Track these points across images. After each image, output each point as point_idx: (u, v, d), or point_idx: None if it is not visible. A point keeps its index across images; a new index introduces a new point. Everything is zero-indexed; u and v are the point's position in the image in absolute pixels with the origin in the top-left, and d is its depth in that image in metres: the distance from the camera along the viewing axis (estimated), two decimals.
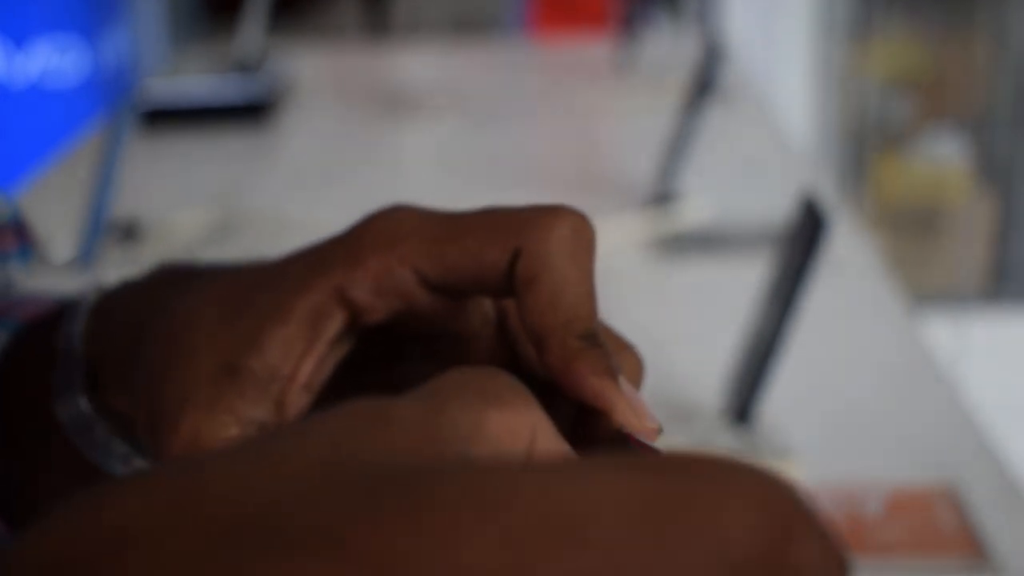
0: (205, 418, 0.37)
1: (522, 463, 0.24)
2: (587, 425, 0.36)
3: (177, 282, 0.42)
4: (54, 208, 1.82)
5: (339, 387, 0.39)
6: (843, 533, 1.02)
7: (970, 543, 1.00)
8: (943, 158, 3.40)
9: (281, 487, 0.23)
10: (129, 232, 1.72)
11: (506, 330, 0.40)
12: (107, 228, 1.69)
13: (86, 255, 1.64)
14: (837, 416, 1.21)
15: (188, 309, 0.39)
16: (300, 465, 0.24)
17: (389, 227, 0.37)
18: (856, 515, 1.03)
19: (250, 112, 2.29)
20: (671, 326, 1.41)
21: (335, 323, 0.37)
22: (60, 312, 0.46)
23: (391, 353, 0.41)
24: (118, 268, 1.72)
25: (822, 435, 1.17)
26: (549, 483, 0.22)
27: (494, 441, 0.27)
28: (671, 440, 1.14)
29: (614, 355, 0.36)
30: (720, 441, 1.13)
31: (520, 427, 0.28)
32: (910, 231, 3.36)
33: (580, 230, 0.36)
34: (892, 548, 1.00)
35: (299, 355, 0.37)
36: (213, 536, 0.21)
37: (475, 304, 0.40)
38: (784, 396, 1.17)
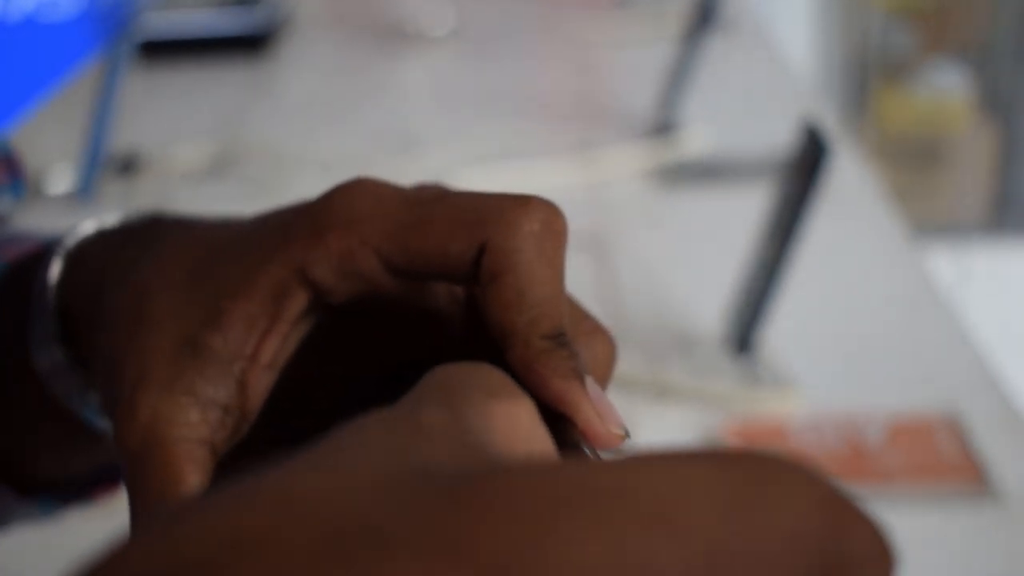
0: (164, 399, 0.36)
1: (591, 460, 0.24)
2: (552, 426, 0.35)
3: (147, 239, 0.41)
4: (52, 142, 1.81)
5: (301, 365, 0.38)
6: (845, 460, 1.02)
7: (971, 470, 1.00)
8: (945, 89, 3.38)
9: (369, 495, 0.22)
10: (127, 165, 1.71)
11: (473, 309, 0.39)
12: (105, 161, 1.68)
13: (85, 188, 1.63)
14: (838, 345, 1.21)
15: (152, 274, 0.38)
16: (371, 475, 0.23)
17: (350, 205, 0.36)
18: (857, 443, 1.04)
19: (249, 44, 2.28)
20: (672, 256, 1.40)
21: (298, 301, 0.36)
22: (43, 253, 0.45)
23: (356, 330, 0.40)
24: (117, 201, 1.71)
25: (823, 364, 1.17)
26: (637, 474, 0.22)
27: (503, 437, 0.27)
28: (674, 370, 1.14)
29: (583, 350, 0.35)
30: (721, 370, 1.13)
31: (522, 421, 0.28)
32: (912, 162, 3.35)
33: (550, 224, 0.35)
34: (893, 475, 1.00)
35: (261, 333, 0.37)
36: (323, 542, 0.21)
37: (442, 284, 0.39)
38: (785, 325, 1.17)
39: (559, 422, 0.33)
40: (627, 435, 0.33)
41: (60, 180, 1.66)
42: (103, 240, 0.44)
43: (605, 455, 0.32)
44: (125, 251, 0.41)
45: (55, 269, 0.43)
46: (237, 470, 0.33)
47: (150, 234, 0.41)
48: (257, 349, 0.37)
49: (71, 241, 0.44)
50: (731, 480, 0.22)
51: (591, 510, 0.21)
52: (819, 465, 0.24)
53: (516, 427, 0.27)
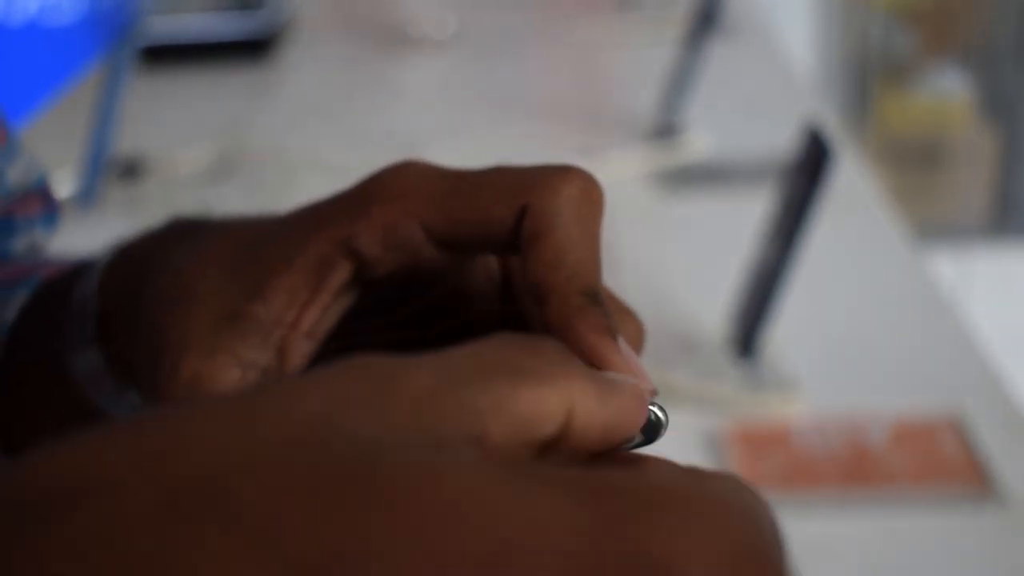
0: (206, 361, 0.37)
1: (478, 464, 0.25)
2: None
3: (185, 236, 0.42)
4: (55, 146, 1.81)
5: (343, 336, 0.39)
6: (848, 463, 1.02)
7: (974, 472, 1.00)
8: (946, 91, 3.38)
9: (243, 449, 0.24)
10: (130, 169, 1.71)
11: (510, 289, 0.40)
12: (108, 165, 1.69)
13: (88, 193, 1.64)
14: (841, 347, 1.21)
15: (194, 262, 0.39)
16: (279, 425, 0.24)
17: (397, 181, 0.37)
18: (860, 445, 1.04)
19: (251, 48, 2.28)
20: (675, 259, 1.40)
21: (340, 273, 0.37)
22: (78, 271, 0.46)
23: (396, 305, 0.41)
24: (120, 206, 1.71)
25: (826, 366, 1.17)
26: (487, 503, 0.23)
27: (522, 419, 0.27)
28: (676, 373, 1.14)
29: (615, 317, 0.36)
30: (724, 373, 1.14)
31: (555, 405, 0.28)
32: (913, 164, 3.35)
33: (589, 191, 0.36)
34: (896, 477, 1.00)
35: (303, 303, 0.37)
36: (160, 498, 0.22)
37: (481, 261, 0.40)
38: (788, 328, 1.17)
39: None
40: (656, 393, 0.34)
41: (63, 185, 1.66)
42: (141, 243, 0.45)
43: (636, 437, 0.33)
44: (165, 246, 0.42)
45: (96, 277, 0.44)
46: None
47: (189, 230, 0.43)
48: (298, 318, 0.38)
49: (109, 252, 0.45)
50: (586, 521, 0.23)
51: (431, 538, 0.22)
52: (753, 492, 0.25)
53: (538, 411, 0.28)
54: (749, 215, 1.31)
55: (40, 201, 0.57)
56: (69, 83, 2.20)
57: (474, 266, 0.40)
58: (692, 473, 0.27)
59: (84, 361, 0.44)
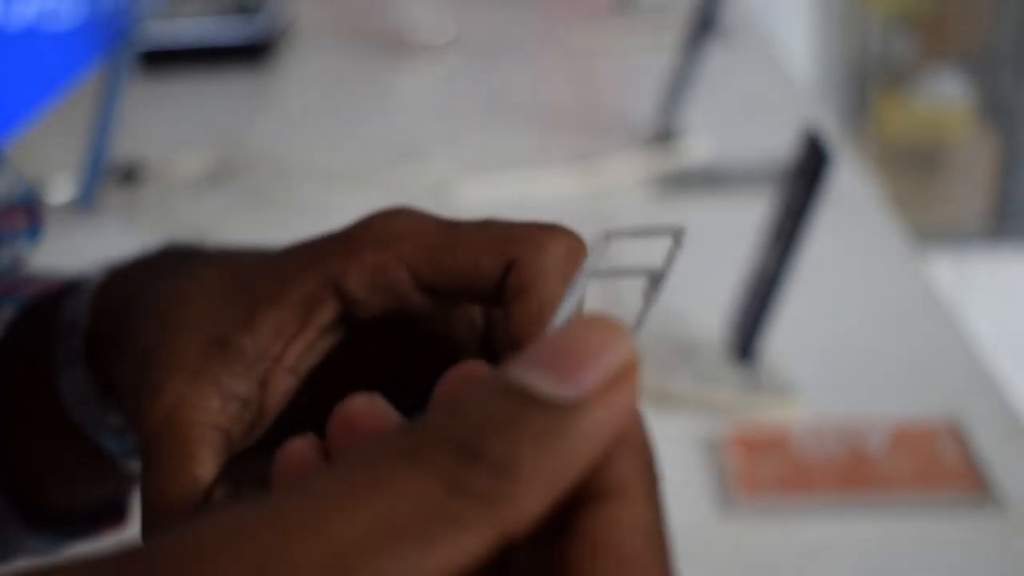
0: (190, 385, 0.37)
1: None
2: None
3: (178, 262, 0.43)
4: (53, 151, 1.81)
5: (323, 377, 0.40)
6: (847, 467, 1.02)
7: (973, 477, 1.00)
8: (945, 96, 3.38)
9: None
10: (129, 174, 1.71)
11: (491, 341, 0.41)
12: (106, 171, 1.69)
13: (86, 198, 1.63)
14: (839, 352, 1.21)
15: (185, 286, 0.40)
16: None
17: (388, 225, 0.38)
18: (859, 449, 1.04)
19: (249, 53, 2.28)
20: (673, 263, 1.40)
21: (328, 312, 0.38)
22: (66, 289, 0.47)
23: (377, 350, 0.41)
24: (118, 210, 1.71)
25: (825, 371, 1.17)
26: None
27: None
28: (675, 378, 1.14)
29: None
30: (723, 377, 1.13)
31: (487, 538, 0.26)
32: (912, 170, 3.35)
33: (575, 249, 0.37)
34: (895, 482, 1.00)
35: (289, 337, 0.38)
36: None
37: (464, 311, 0.41)
38: (787, 333, 1.17)
39: None
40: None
41: (61, 190, 1.66)
42: (133, 267, 0.45)
43: None
44: (158, 271, 0.43)
45: (87, 298, 0.44)
46: (252, 470, 0.36)
47: (182, 256, 0.43)
48: (283, 352, 0.38)
49: (100, 274, 0.45)
50: None
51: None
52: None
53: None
54: (748, 220, 1.31)
55: (24, 215, 0.57)
56: (68, 88, 2.20)
57: (458, 315, 0.41)
58: None
59: (70, 379, 0.44)
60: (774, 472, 1.02)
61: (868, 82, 3.47)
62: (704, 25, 1.72)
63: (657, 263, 0.33)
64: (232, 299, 0.39)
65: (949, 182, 3.36)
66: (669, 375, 1.14)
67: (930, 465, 1.02)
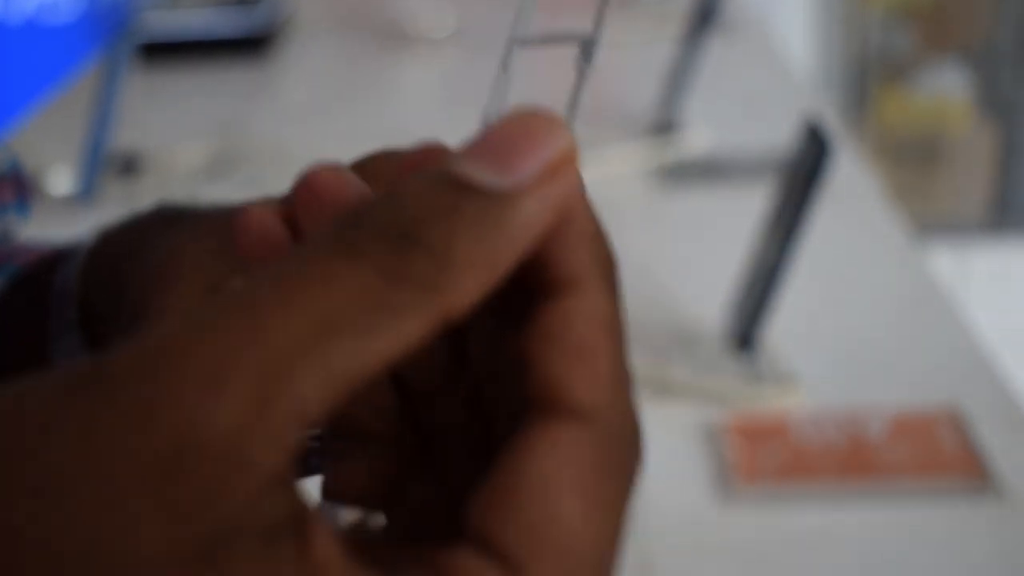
0: None
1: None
2: None
3: (170, 222, 0.43)
4: (53, 143, 1.81)
5: None
6: (847, 456, 1.02)
7: (972, 465, 1.00)
8: (945, 89, 3.38)
9: None
10: (129, 166, 1.71)
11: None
12: (107, 162, 1.69)
13: (85, 189, 1.64)
14: (839, 342, 1.21)
15: (180, 241, 0.40)
16: None
17: (383, 161, 0.37)
18: (859, 438, 1.04)
19: (249, 45, 2.28)
20: (673, 254, 1.40)
21: None
22: (57, 258, 0.46)
23: None
24: (118, 202, 1.71)
25: (824, 360, 1.17)
26: None
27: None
28: (675, 367, 1.14)
29: None
30: (723, 367, 1.14)
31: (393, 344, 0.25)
32: (912, 162, 3.35)
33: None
34: (895, 470, 1.00)
35: None
36: None
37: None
38: (786, 322, 1.17)
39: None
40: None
41: (61, 181, 1.66)
42: (124, 230, 0.45)
43: None
44: (149, 231, 0.43)
45: (78, 264, 0.44)
46: None
47: (174, 217, 0.43)
48: None
49: (91, 239, 0.45)
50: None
51: None
52: None
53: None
54: (748, 211, 1.31)
55: (12, 187, 0.57)
56: (67, 80, 2.20)
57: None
58: None
59: (65, 345, 0.44)
60: (774, 460, 1.02)
61: (868, 75, 3.47)
62: (704, 17, 1.72)
63: (588, 28, 0.31)
64: (226, 250, 0.38)
65: (949, 174, 3.36)
66: (669, 364, 1.14)
67: (929, 453, 1.02)
